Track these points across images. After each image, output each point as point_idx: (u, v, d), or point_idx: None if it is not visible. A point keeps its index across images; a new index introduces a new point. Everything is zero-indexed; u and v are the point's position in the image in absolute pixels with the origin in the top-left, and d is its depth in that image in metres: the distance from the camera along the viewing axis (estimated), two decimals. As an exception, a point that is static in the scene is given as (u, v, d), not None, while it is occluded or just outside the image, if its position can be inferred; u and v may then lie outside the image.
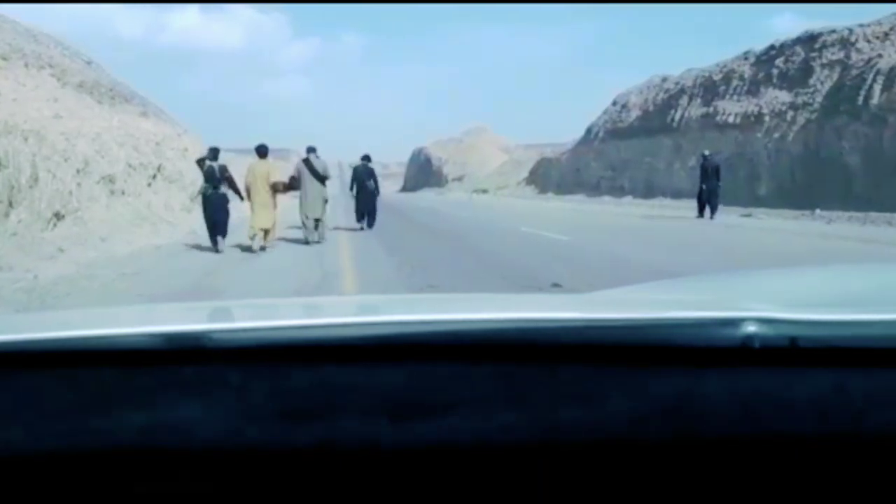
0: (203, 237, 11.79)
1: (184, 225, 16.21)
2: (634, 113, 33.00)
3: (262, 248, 9.69)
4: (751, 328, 0.63)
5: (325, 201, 10.62)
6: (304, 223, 10.47)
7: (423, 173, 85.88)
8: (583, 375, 0.61)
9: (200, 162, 10.38)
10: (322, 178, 10.50)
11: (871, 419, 0.60)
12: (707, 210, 15.99)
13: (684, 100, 28.12)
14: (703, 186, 15.89)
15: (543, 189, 43.67)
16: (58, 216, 11.02)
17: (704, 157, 16.57)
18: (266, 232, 9.77)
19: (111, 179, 14.09)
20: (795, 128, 20.86)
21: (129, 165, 15.78)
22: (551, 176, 43.97)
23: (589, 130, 39.00)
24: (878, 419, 0.60)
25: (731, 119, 24.23)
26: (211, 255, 10.03)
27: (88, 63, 19.96)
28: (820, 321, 0.66)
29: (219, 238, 9.88)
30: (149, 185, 17.22)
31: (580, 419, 0.58)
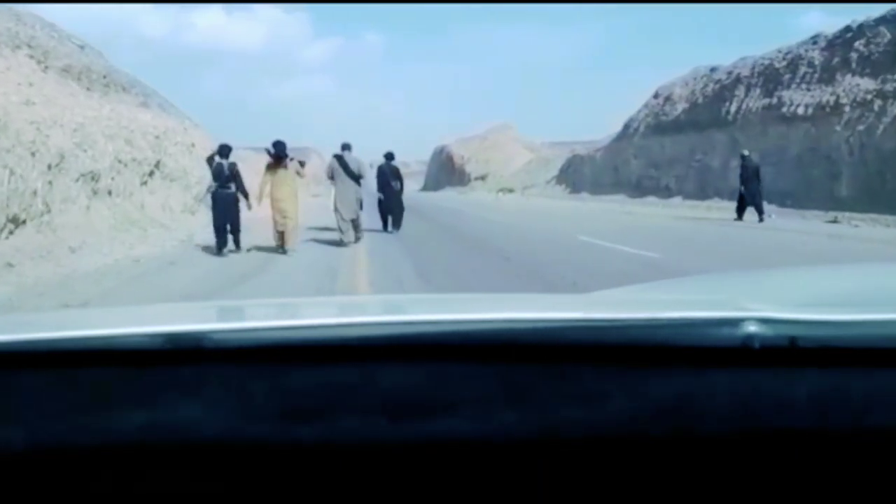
0: (201, 242, 10.50)
1: (183, 229, 14.28)
2: (680, 106, 30.46)
3: (284, 251, 8.93)
4: (751, 328, 0.63)
5: (360, 201, 10.19)
6: (339, 224, 10.02)
7: (444, 172, 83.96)
8: (583, 375, 0.61)
9: (210, 159, 9.63)
10: (356, 177, 10.01)
11: (870, 419, 0.60)
12: (743, 213, 15.17)
13: (740, 90, 25.54)
14: (744, 188, 15.15)
15: (576, 189, 41.18)
16: (15, 222, 9.03)
17: (743, 157, 15.90)
18: (287, 232, 9.01)
19: (94, 177, 12.12)
20: (886, 119, 18.27)
21: (119, 161, 13.82)
22: (584, 175, 41.49)
23: (627, 126, 36.47)
24: (877, 419, 0.60)
25: (800, 111, 21.65)
26: (199, 271, 8.08)
27: (81, 47, 18.11)
28: (820, 321, 0.67)
29: (229, 240, 9.07)
30: (144, 183, 15.28)
31: (580, 419, 0.59)
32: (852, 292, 1.08)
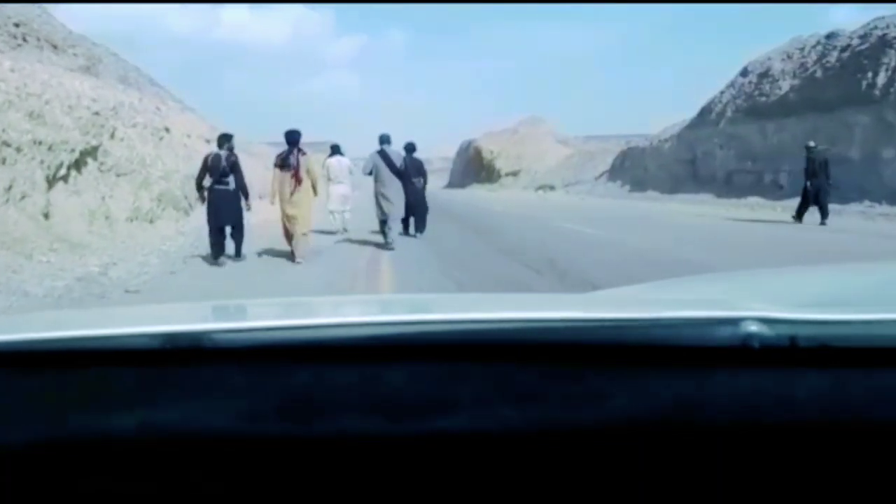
0: (118, 279, 7.57)
1: (114, 249, 9.20)
2: (786, 83, 24.92)
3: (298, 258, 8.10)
4: (751, 328, 0.64)
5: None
6: (381, 225, 9.77)
7: (471, 168, 78.77)
8: (583, 375, 0.62)
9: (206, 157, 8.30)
10: (401, 173, 9.76)
11: (870, 419, 0.61)
12: (804, 213, 13.96)
13: (889, 57, 19.91)
14: (809, 184, 13.83)
15: (637, 186, 35.65)
16: None
17: (809, 148, 14.48)
18: (301, 236, 8.21)
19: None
20: None
21: (6, 143, 8.78)
22: (647, 170, 35.98)
23: (707, 110, 30.94)
24: (877, 419, 0.61)
25: None
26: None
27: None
28: (820, 321, 0.68)
29: (227, 246, 8.01)
30: (59, 178, 10.19)
31: (580, 418, 0.60)
32: (852, 292, 1.11)
